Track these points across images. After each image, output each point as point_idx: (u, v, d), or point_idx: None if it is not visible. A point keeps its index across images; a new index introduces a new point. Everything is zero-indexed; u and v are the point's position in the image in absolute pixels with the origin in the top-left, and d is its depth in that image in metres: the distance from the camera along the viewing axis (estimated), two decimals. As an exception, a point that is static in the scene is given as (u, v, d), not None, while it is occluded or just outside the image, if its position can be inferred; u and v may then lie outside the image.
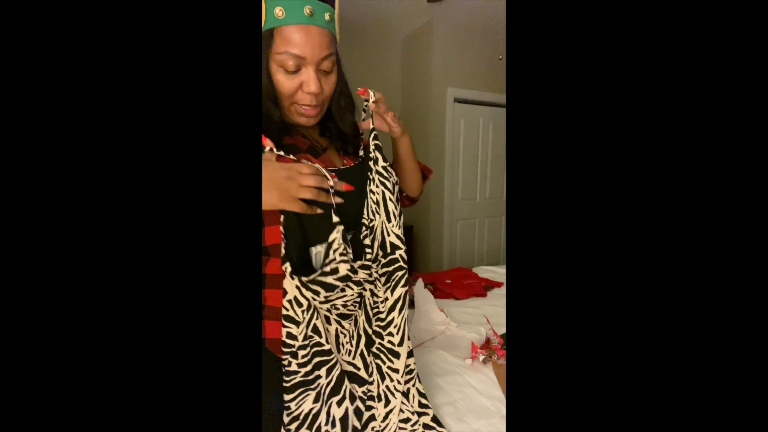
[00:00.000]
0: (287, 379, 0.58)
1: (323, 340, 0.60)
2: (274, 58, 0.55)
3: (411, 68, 2.97)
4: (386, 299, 0.66)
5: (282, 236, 0.55)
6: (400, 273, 0.66)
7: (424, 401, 0.73)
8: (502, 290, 1.72)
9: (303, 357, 0.57)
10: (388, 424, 0.66)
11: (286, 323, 0.56)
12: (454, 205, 2.93)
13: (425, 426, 0.71)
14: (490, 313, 1.37)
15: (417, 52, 2.86)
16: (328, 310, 0.60)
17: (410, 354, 0.69)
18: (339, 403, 0.61)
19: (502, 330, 1.19)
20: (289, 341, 0.57)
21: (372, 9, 2.51)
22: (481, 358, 1.04)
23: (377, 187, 0.65)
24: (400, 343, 0.66)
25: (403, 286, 0.66)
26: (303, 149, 0.62)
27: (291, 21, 0.53)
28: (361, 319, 0.65)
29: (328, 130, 0.69)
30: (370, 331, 0.66)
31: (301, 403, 0.58)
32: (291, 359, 0.57)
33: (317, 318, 0.59)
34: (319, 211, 0.55)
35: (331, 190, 0.56)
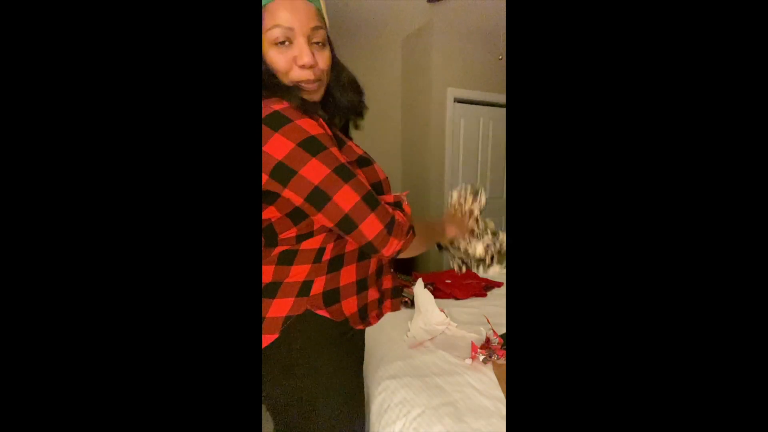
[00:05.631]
0: None
1: None
2: (265, 36, 0.56)
3: (411, 68, 2.97)
4: None
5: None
6: None
7: None
8: (502, 290, 1.72)
9: None
10: None
11: None
12: (454, 205, 2.93)
13: None
14: (490, 313, 1.37)
15: (417, 52, 2.85)
16: None
17: None
18: None
19: (502, 330, 1.19)
20: None
21: (372, 9, 2.51)
22: (481, 358, 1.04)
23: None
24: None
25: None
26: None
27: None
28: None
29: (344, 122, 0.70)
30: None
31: None
32: None
33: None
34: None
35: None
